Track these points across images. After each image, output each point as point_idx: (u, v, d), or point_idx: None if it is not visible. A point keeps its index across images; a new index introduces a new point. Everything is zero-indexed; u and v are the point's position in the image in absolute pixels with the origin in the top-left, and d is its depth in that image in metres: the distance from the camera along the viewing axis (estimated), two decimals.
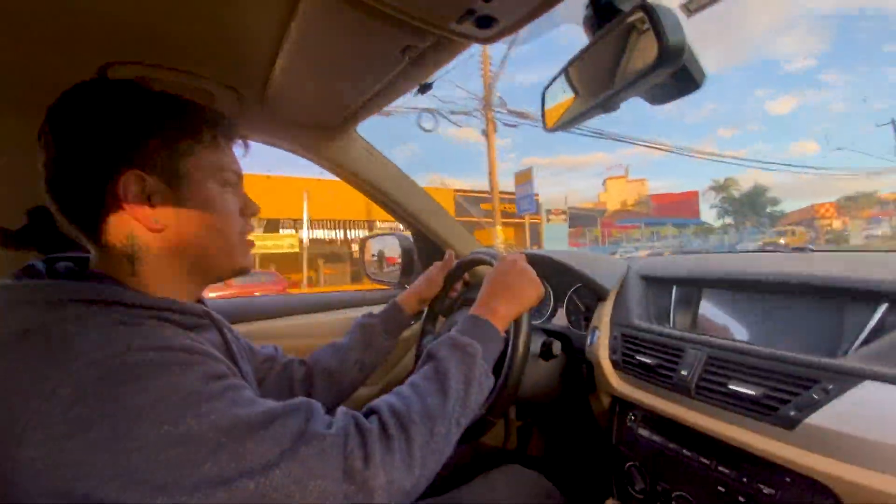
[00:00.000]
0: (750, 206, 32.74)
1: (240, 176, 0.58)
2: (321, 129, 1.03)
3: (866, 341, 0.54)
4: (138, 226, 0.49)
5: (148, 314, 0.46)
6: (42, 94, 0.78)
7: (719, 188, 34.31)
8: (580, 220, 25.69)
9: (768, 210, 33.53)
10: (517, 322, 0.72)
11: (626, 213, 35.47)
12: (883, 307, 0.55)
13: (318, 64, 0.75)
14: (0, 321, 0.41)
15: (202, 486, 0.37)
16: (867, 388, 0.48)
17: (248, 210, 0.59)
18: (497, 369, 0.72)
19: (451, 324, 0.90)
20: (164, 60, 0.74)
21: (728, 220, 33.74)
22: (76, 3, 0.56)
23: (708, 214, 35.53)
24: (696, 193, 36.75)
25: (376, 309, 0.96)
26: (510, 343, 0.72)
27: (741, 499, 0.57)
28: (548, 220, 19.52)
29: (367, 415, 0.50)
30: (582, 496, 0.90)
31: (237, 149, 0.59)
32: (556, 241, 18.01)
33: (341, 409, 0.49)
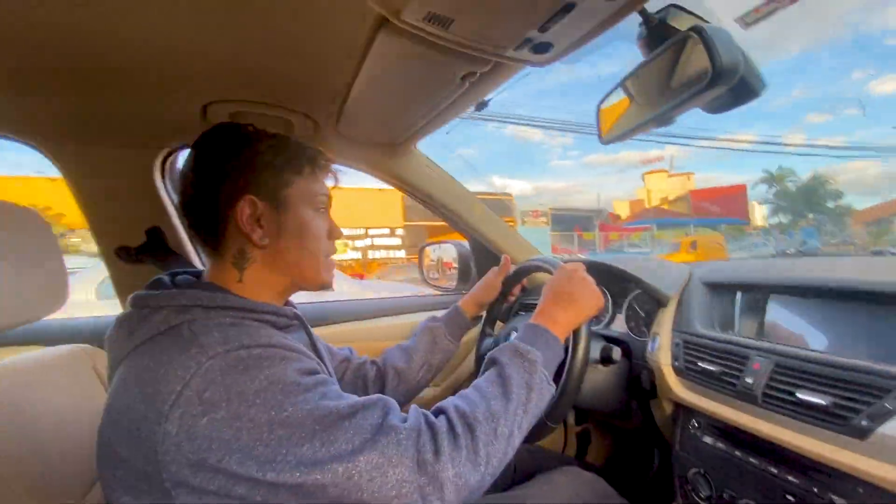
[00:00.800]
0: (805, 202, 26.52)
1: (329, 201, 0.68)
2: (387, 148, 1.12)
3: None
4: (248, 242, 0.60)
5: (252, 316, 0.56)
6: (153, 131, 0.93)
7: (772, 180, 27.76)
8: (571, 221, 23.07)
9: (830, 205, 26.49)
10: (576, 328, 0.75)
11: (661, 211, 30.67)
12: None
13: (387, 92, 0.83)
14: (147, 322, 0.51)
15: (301, 466, 0.44)
16: None
17: (333, 234, 0.69)
18: (556, 375, 0.76)
19: (510, 329, 0.94)
20: (254, 97, 0.85)
21: (782, 218, 27.06)
22: (179, 49, 0.67)
23: (758, 211, 29.59)
24: (743, 187, 30.20)
25: (439, 313, 1.02)
26: (569, 349, 0.75)
27: None
28: (523, 222, 17.82)
29: (435, 414, 0.55)
30: (643, 500, 0.90)
31: (328, 178, 0.69)
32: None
33: (413, 407, 0.55)
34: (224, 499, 0.44)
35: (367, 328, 1.32)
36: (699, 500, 0.73)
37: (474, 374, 1.06)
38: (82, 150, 0.95)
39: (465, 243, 1.52)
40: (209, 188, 0.59)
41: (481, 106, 0.98)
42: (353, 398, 0.51)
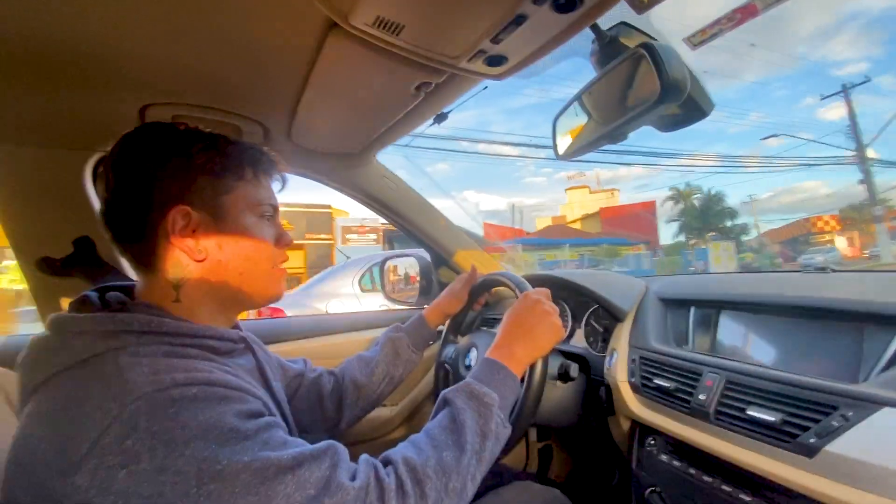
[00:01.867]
0: (704, 220, 26.38)
1: (276, 208, 0.63)
2: (343, 158, 1.08)
3: (886, 367, 0.53)
4: (183, 256, 0.53)
5: (190, 342, 0.50)
6: (85, 132, 0.86)
7: (679, 197, 27.45)
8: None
9: (727, 224, 26.67)
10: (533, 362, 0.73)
11: (566, 230, 28.83)
12: None
13: (340, 99, 0.80)
14: (66, 348, 0.45)
15: None
16: (886, 416, 0.47)
17: (282, 241, 0.63)
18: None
19: (471, 344, 0.91)
20: (197, 100, 0.80)
21: (688, 237, 26.90)
22: (118, 48, 0.62)
23: (667, 230, 28.67)
24: (652, 204, 29.02)
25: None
26: (528, 369, 0.73)
27: None
28: (345, 240, 15.86)
29: (384, 463, 0.51)
30: None
31: (275, 183, 0.64)
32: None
33: (363, 460, 0.51)
34: None
35: (324, 345, 1.26)
36: None
37: (434, 388, 1.02)
38: (2, 149, 0.87)
39: (427, 256, 1.49)
40: (135, 196, 0.52)
41: (441, 118, 0.96)
42: (299, 447, 0.46)
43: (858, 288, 0.66)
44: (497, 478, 0.91)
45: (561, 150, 0.76)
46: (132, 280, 0.59)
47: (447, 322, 1.05)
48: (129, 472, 0.38)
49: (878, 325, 0.57)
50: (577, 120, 0.76)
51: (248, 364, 0.60)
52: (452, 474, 0.51)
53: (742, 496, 0.59)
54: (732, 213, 26.98)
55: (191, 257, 0.53)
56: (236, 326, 0.64)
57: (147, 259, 0.54)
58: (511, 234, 25.73)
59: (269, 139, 0.97)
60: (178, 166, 0.53)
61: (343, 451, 0.49)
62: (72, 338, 0.46)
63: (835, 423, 0.50)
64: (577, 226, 32.04)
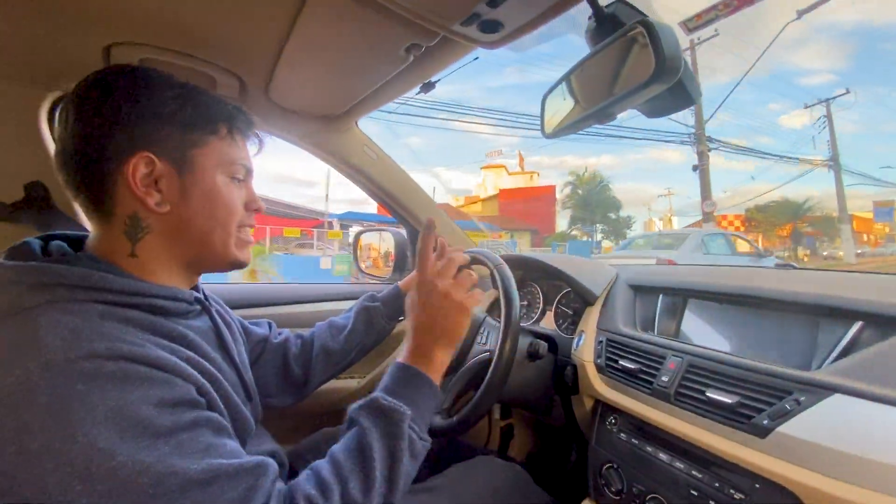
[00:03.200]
0: (591, 210, 23.57)
1: (249, 170, 0.59)
2: (322, 121, 1.04)
3: (839, 357, 0.56)
4: (142, 206, 0.50)
5: (136, 302, 0.46)
6: (42, 67, 0.79)
7: (576, 183, 23.92)
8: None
9: (612, 216, 24.07)
10: (507, 324, 0.73)
11: (460, 213, 23.95)
12: (856, 326, 0.57)
13: (323, 57, 0.76)
14: None
15: None
16: (837, 401, 0.50)
17: (252, 205, 0.60)
18: (484, 371, 0.74)
19: None
20: (168, 43, 0.75)
21: (571, 226, 24.28)
22: None
23: (563, 217, 25.90)
24: (551, 189, 25.43)
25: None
26: (497, 343, 0.73)
27: (712, 501, 0.59)
28: None
29: (290, 495, 0.46)
30: (559, 494, 0.92)
31: (251, 145, 0.60)
32: None
33: (278, 495, 0.45)
34: None
35: (291, 313, 1.24)
36: (610, 494, 0.74)
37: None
38: None
39: (403, 231, 1.48)
40: (95, 139, 0.48)
41: (428, 87, 0.93)
42: (220, 459, 0.41)
43: (817, 284, 0.69)
44: (460, 453, 0.93)
45: (548, 129, 0.75)
46: (86, 232, 0.55)
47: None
48: (19, 449, 0.34)
49: (833, 319, 0.60)
50: (566, 98, 0.76)
51: (204, 326, 0.57)
52: None
53: (694, 472, 0.62)
54: (616, 205, 24.33)
55: (151, 210, 0.50)
56: (196, 288, 0.61)
57: (103, 207, 0.50)
58: (459, 213, 23.03)
59: (245, 94, 0.92)
60: (144, 112, 0.50)
61: (271, 471, 0.45)
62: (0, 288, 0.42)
63: (787, 407, 0.53)
64: (479, 207, 27.71)
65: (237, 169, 0.56)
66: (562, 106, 0.77)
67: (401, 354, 0.60)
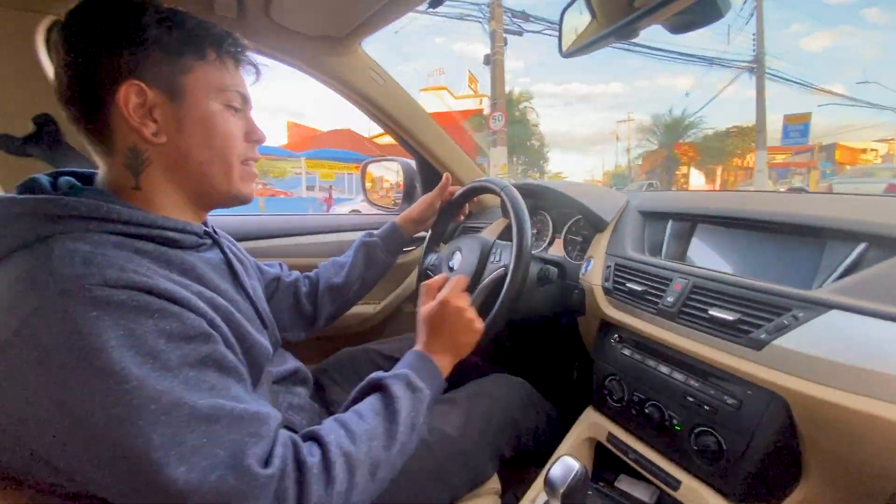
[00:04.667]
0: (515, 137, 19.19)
1: (246, 99, 0.58)
2: (326, 43, 0.99)
3: (841, 276, 0.58)
4: (139, 138, 0.50)
5: (147, 233, 0.48)
6: None
7: (509, 105, 18.93)
8: None
9: (534, 144, 20.63)
10: (519, 250, 0.76)
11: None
12: (861, 246, 0.59)
13: None
14: (3, 232, 0.42)
15: (125, 458, 0.37)
16: (832, 317, 0.53)
17: (252, 136, 0.59)
18: (496, 293, 0.78)
19: (455, 248, 0.94)
20: None
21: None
22: None
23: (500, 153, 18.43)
24: (478, 113, 20.36)
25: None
26: (509, 268, 0.77)
27: (706, 407, 0.65)
28: None
29: (307, 438, 0.49)
30: (564, 405, 1.00)
31: (246, 73, 0.59)
32: None
33: (285, 438, 0.46)
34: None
35: (297, 244, 1.27)
36: (612, 402, 0.82)
37: (417, 289, 1.06)
38: None
39: (412, 162, 1.46)
40: (83, 68, 0.48)
41: (436, 3, 0.87)
42: (226, 400, 0.42)
43: (825, 207, 0.70)
44: (469, 370, 1.00)
45: (565, 47, 0.71)
46: (95, 169, 0.55)
47: (429, 232, 1.07)
48: (43, 369, 0.37)
49: (839, 240, 0.62)
50: (584, 13, 0.71)
51: (215, 258, 0.59)
52: (382, 464, 0.50)
53: (691, 382, 0.67)
54: (531, 133, 20.54)
55: (148, 140, 0.50)
56: (206, 224, 0.62)
57: (104, 140, 0.51)
58: (311, 139, 20.03)
59: (244, 15, 0.87)
60: (129, 37, 0.49)
61: (274, 421, 0.45)
62: (15, 220, 0.43)
63: (785, 322, 0.56)
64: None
65: (231, 96, 0.56)
66: (580, 21, 0.72)
67: (416, 344, 0.66)
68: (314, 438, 0.49)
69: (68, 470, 0.40)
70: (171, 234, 0.51)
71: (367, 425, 0.51)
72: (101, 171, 0.53)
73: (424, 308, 0.69)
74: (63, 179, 0.52)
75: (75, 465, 0.39)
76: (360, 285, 0.93)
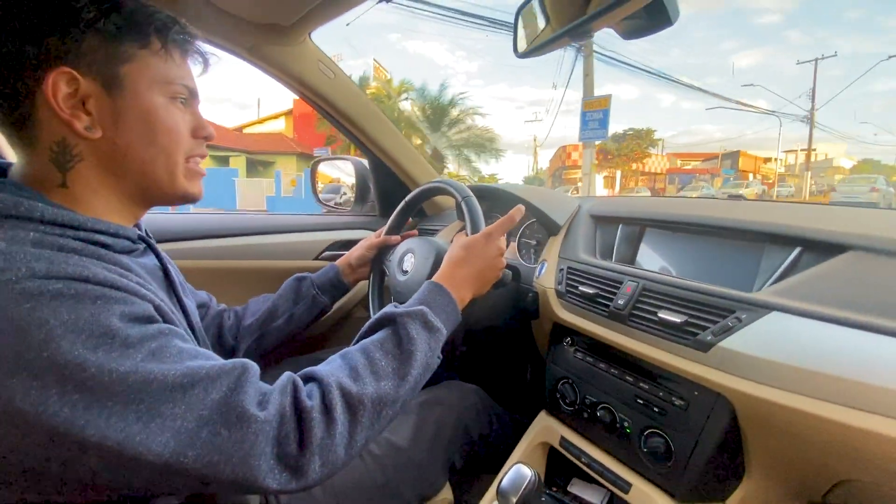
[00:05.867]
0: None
1: (193, 92, 0.53)
2: (272, 31, 0.93)
3: (779, 279, 0.61)
4: (70, 131, 0.44)
5: (72, 234, 0.42)
6: None
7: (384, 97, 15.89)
8: None
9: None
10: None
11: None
12: (796, 250, 0.62)
13: None
14: None
15: (107, 441, 0.35)
16: (773, 319, 0.54)
17: (200, 132, 0.54)
18: None
19: (407, 249, 0.90)
20: None
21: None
22: None
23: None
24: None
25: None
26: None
27: (656, 408, 0.65)
28: None
29: (307, 380, 0.48)
30: (516, 409, 0.99)
31: (193, 64, 0.54)
32: None
33: (285, 377, 0.46)
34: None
35: (236, 245, 1.17)
36: (565, 406, 0.81)
37: (370, 290, 1.00)
38: None
39: (364, 161, 1.41)
40: (5, 51, 0.41)
41: None
42: (198, 361, 0.40)
43: (763, 213, 0.73)
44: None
45: (521, 47, 0.71)
46: (9, 161, 0.48)
47: (384, 228, 1.03)
48: None
49: (776, 245, 0.65)
50: (538, 15, 0.71)
51: (150, 264, 0.53)
52: (389, 403, 0.49)
53: (641, 384, 0.68)
54: (460, 123, 16.05)
55: (79, 134, 0.44)
56: (138, 227, 0.56)
57: (24, 131, 0.44)
58: (233, 136, 18.82)
59: None
60: (60, 18, 0.43)
61: (253, 369, 0.45)
62: None
63: (729, 324, 0.57)
64: (284, 125, 22.38)
65: (177, 89, 0.50)
66: (535, 23, 0.72)
67: (436, 275, 0.66)
68: (314, 379, 0.48)
69: (33, 479, 0.36)
70: (100, 237, 0.45)
71: (375, 365, 0.50)
72: (19, 162, 0.46)
73: (469, 239, 0.71)
74: None
75: (41, 471, 0.36)
76: (287, 320, 0.86)
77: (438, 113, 15.89)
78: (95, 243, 0.44)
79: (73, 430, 0.34)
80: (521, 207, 0.75)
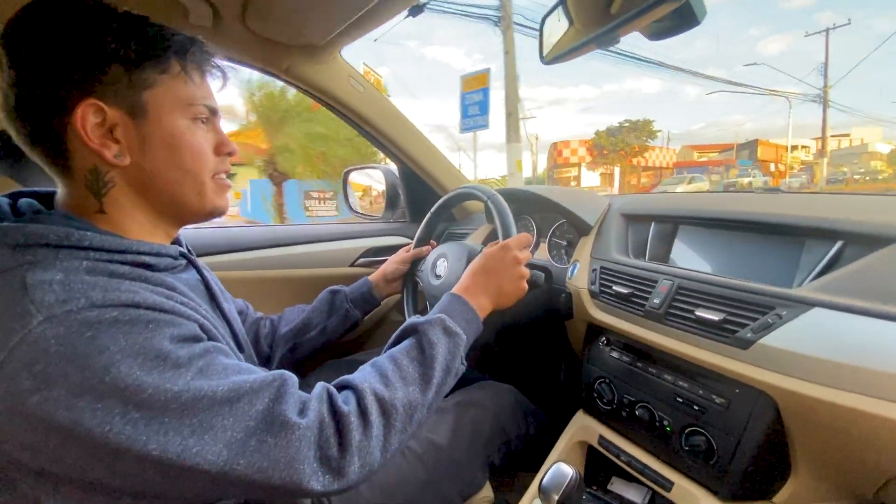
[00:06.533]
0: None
1: (213, 111, 0.55)
2: (304, 51, 0.98)
3: (820, 274, 0.60)
4: (100, 160, 0.47)
5: (120, 258, 0.45)
6: None
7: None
8: None
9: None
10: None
11: None
12: (838, 244, 0.61)
13: None
14: None
15: (165, 457, 0.38)
16: (815, 315, 0.54)
17: (223, 149, 0.56)
18: None
19: (440, 254, 0.93)
20: None
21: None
22: None
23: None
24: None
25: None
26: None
27: (695, 407, 0.65)
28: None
29: (341, 388, 0.51)
30: (553, 408, 1.00)
31: (213, 79, 0.55)
32: None
33: (319, 388, 0.49)
34: (68, 490, 0.39)
35: (277, 255, 1.23)
36: (602, 405, 0.82)
37: (402, 299, 1.04)
38: None
39: (393, 168, 1.45)
40: (31, 86, 0.44)
41: (417, 10, 0.87)
42: (242, 376, 0.44)
43: (804, 207, 0.72)
44: (461, 377, 1.00)
45: (547, 54, 0.72)
46: (54, 189, 0.52)
47: (416, 237, 1.06)
48: (43, 398, 0.36)
49: (817, 239, 0.64)
50: (563, 20, 0.72)
51: (192, 279, 0.57)
52: (418, 409, 0.52)
53: (680, 382, 0.68)
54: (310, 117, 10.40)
55: (110, 162, 0.47)
56: (178, 242, 0.60)
57: (61, 162, 0.47)
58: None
59: (220, 24, 0.85)
60: (84, 51, 0.45)
61: (291, 380, 0.47)
62: None
63: (769, 321, 0.57)
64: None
65: (199, 110, 0.52)
66: (560, 29, 0.73)
67: (455, 287, 0.68)
68: (349, 387, 0.51)
69: (102, 490, 0.41)
70: (144, 257, 0.48)
71: (402, 371, 0.53)
72: (61, 191, 0.50)
73: (486, 251, 0.73)
74: (23, 202, 0.49)
75: (102, 483, 0.40)
76: (320, 332, 0.89)
77: None
78: (141, 265, 0.47)
79: (136, 446, 0.37)
80: (528, 236, 0.78)
